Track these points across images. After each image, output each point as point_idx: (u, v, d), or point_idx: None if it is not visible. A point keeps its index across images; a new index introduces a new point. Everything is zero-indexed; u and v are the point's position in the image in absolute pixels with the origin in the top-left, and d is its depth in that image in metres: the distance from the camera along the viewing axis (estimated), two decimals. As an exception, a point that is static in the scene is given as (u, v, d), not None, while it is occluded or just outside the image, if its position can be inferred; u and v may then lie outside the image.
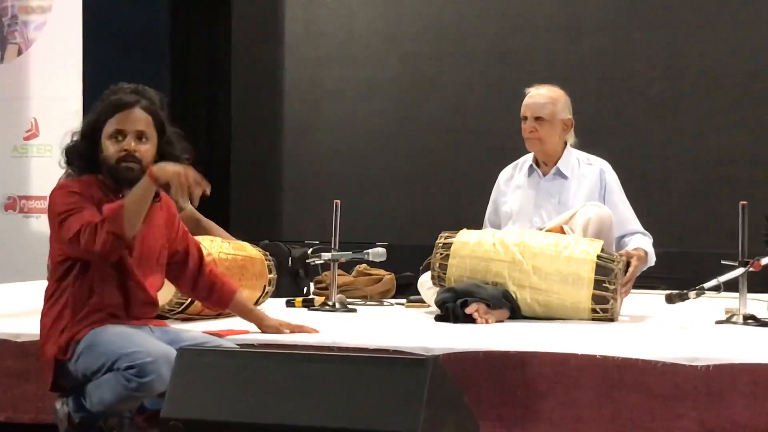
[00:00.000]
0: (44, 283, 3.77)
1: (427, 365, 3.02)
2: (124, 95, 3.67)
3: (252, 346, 3.86)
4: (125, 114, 3.64)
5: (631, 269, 4.85)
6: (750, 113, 7.19)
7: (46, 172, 7.07)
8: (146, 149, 3.65)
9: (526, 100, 5.23)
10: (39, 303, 3.76)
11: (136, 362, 3.40)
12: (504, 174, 5.43)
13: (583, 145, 5.34)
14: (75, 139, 3.68)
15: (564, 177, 5.22)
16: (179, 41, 8.32)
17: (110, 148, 3.62)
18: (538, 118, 5.17)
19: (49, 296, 3.68)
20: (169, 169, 3.51)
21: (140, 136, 3.65)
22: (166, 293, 4.46)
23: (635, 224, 5.18)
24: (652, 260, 5.07)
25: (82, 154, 3.65)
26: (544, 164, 5.26)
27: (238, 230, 5.73)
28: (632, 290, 4.99)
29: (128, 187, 3.59)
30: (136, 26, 7.84)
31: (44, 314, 3.68)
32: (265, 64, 8.33)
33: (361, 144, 8.01)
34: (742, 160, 7.17)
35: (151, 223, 3.70)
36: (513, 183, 5.36)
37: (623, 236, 5.14)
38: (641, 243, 5.07)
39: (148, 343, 3.49)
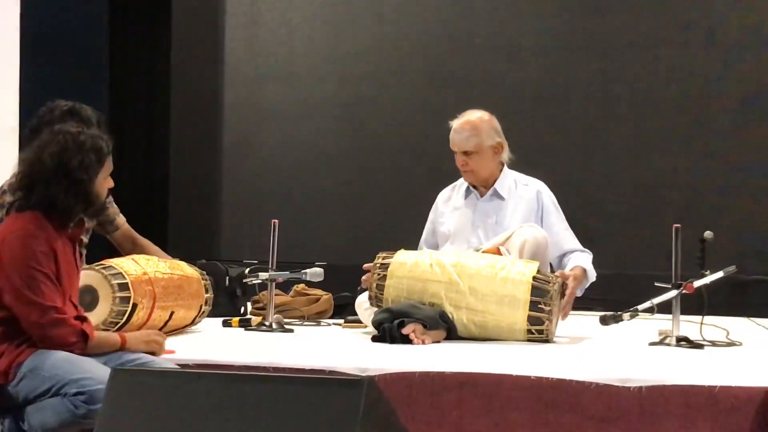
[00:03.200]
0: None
1: (362, 386, 3.02)
2: (104, 138, 3.82)
3: (188, 366, 3.85)
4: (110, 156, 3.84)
5: (568, 292, 4.88)
6: (684, 137, 7.29)
7: (-19, 188, 6.96)
8: None
9: (451, 135, 5.24)
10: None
11: (85, 389, 3.45)
12: (442, 195, 5.46)
13: (520, 166, 5.38)
14: (58, 181, 3.68)
15: (501, 198, 5.25)
16: (118, 58, 8.27)
17: (103, 187, 3.81)
18: (465, 152, 5.20)
19: None
20: (142, 346, 3.80)
21: None
22: (101, 312, 4.43)
23: (573, 242, 5.23)
24: (592, 276, 5.11)
25: (67, 196, 3.68)
26: (482, 186, 5.30)
27: (175, 249, 5.70)
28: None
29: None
30: (74, 42, 7.77)
31: None
32: (204, 82, 8.30)
33: (300, 163, 8.00)
34: (676, 183, 7.26)
35: (76, 252, 3.82)
36: (451, 204, 5.38)
37: (563, 255, 5.18)
38: (579, 261, 5.12)
39: (96, 369, 3.51)
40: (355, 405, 2.97)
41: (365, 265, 4.97)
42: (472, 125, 5.21)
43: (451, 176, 5.51)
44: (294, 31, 8.08)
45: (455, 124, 5.25)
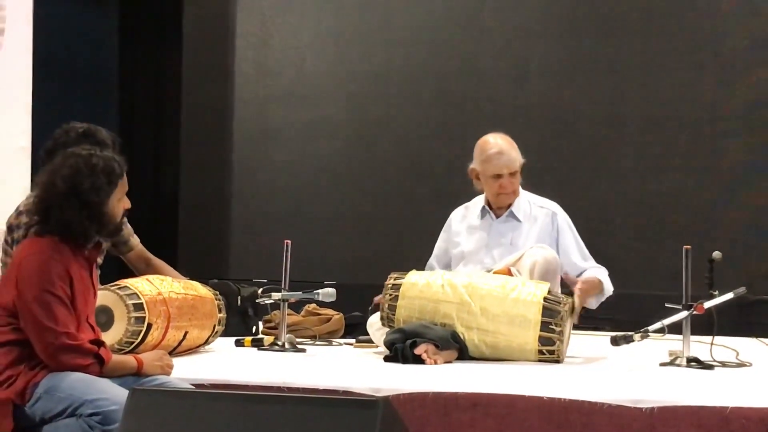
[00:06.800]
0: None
1: (378, 406, 3.04)
2: (117, 159, 3.83)
3: (203, 385, 3.88)
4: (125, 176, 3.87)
5: (577, 293, 4.90)
6: (692, 157, 7.31)
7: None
8: None
9: (497, 160, 5.22)
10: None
11: (100, 410, 3.46)
12: (456, 214, 5.48)
13: (526, 187, 5.41)
14: (72, 205, 3.70)
15: (517, 220, 5.28)
16: (128, 79, 8.32)
17: (119, 208, 3.81)
18: (512, 173, 5.24)
19: None
20: (157, 368, 3.80)
21: None
22: (116, 332, 4.46)
23: (590, 261, 5.26)
24: (608, 289, 5.15)
25: (81, 219, 3.71)
26: (498, 207, 5.33)
27: (184, 268, 5.72)
28: (578, 332, 5.05)
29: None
30: (85, 64, 7.83)
31: None
32: (214, 102, 8.34)
33: (309, 183, 8.04)
34: (684, 204, 7.29)
35: (93, 274, 3.85)
36: (466, 223, 5.41)
37: (580, 275, 5.20)
38: (593, 273, 5.15)
39: (112, 390, 3.52)
40: (372, 425, 3.00)
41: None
42: (510, 147, 5.26)
43: (458, 196, 5.55)
44: (303, 52, 8.13)
45: (495, 148, 5.23)
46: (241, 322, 5.62)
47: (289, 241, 5.07)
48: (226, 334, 5.19)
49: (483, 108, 7.64)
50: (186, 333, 4.74)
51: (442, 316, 4.75)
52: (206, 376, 4.08)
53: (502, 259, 5.16)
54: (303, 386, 3.95)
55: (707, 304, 4.61)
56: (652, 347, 4.94)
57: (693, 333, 4.65)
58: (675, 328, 4.64)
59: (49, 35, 7.36)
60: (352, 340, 5.46)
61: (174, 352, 4.64)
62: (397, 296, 4.83)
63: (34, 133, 7.04)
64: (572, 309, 4.83)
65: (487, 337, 4.71)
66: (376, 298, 5.01)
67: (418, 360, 4.56)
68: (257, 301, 5.32)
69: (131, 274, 5.03)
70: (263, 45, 8.23)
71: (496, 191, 5.26)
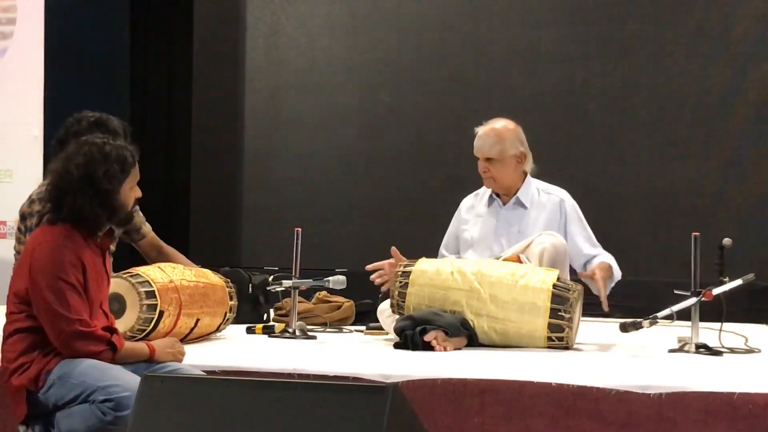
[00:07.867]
0: (3, 308, 3.80)
1: (387, 393, 3.07)
2: (130, 148, 3.85)
3: (214, 372, 3.91)
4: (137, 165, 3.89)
5: (600, 285, 4.92)
6: (703, 144, 7.32)
7: (5, 197, 7.06)
8: None
9: (475, 142, 5.27)
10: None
11: (113, 396, 3.49)
12: (465, 202, 5.49)
13: (538, 174, 5.41)
14: (85, 192, 3.73)
15: (523, 207, 5.29)
16: (140, 68, 8.36)
17: (130, 196, 3.83)
18: (488, 159, 5.24)
19: (12, 327, 3.71)
20: (169, 355, 3.83)
21: None
22: (128, 319, 4.49)
23: (598, 248, 5.27)
24: (617, 274, 5.16)
25: (93, 206, 3.74)
26: (504, 194, 5.34)
27: (196, 256, 5.76)
28: (587, 318, 5.06)
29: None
30: (97, 53, 7.86)
31: (7, 345, 3.72)
32: (225, 91, 8.37)
33: (320, 172, 8.06)
34: (694, 190, 7.29)
35: (106, 261, 3.87)
36: (474, 211, 5.42)
37: (587, 262, 5.21)
38: (602, 259, 5.16)
39: (124, 376, 3.56)
40: (381, 411, 3.02)
41: (368, 267, 5.06)
42: (497, 133, 5.25)
43: (470, 183, 5.55)
44: (314, 41, 8.14)
45: (480, 130, 5.29)
46: (252, 309, 5.65)
47: (299, 229, 5.10)
48: (237, 321, 5.22)
49: (494, 95, 7.65)
50: (197, 320, 4.77)
51: (451, 304, 4.77)
52: (217, 363, 4.11)
53: (511, 246, 5.17)
54: (313, 373, 3.98)
55: (716, 291, 4.62)
56: (661, 334, 4.95)
57: (702, 320, 4.66)
58: (684, 315, 4.65)
59: (60, 25, 7.40)
60: (363, 327, 5.49)
61: (186, 339, 4.68)
62: (407, 283, 4.85)
63: (46, 122, 7.09)
64: (582, 296, 4.84)
65: (497, 324, 4.73)
66: (374, 276, 5.06)
67: (428, 347, 4.58)
68: (268, 288, 5.34)
69: (143, 262, 5.07)
70: (274, 33, 8.24)
71: (480, 172, 5.29)
